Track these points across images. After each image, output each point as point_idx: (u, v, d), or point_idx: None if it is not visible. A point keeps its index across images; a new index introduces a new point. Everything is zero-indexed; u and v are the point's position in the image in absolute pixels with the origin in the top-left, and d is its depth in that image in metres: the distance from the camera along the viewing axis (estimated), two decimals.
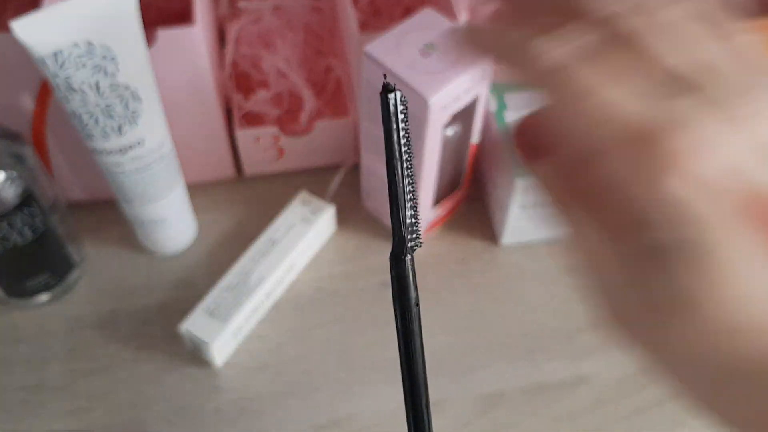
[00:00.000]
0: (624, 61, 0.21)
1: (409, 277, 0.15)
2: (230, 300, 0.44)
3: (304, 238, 0.47)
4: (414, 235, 0.15)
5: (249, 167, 0.53)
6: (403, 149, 0.15)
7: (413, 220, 0.15)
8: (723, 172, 0.19)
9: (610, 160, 0.20)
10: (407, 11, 0.56)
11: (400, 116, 0.15)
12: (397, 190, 0.15)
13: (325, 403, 0.43)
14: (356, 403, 0.43)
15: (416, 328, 0.16)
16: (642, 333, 0.21)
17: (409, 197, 0.15)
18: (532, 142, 0.23)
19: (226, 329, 0.43)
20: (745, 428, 0.19)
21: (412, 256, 0.15)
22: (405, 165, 0.15)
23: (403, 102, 0.15)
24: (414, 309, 0.15)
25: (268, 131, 0.50)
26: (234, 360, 0.45)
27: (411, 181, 0.15)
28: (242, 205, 0.52)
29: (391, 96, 0.14)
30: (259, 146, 0.51)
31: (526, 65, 0.22)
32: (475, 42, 0.24)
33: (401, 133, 0.15)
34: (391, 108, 0.14)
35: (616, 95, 0.20)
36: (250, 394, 0.43)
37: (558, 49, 0.21)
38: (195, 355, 0.45)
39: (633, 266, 0.20)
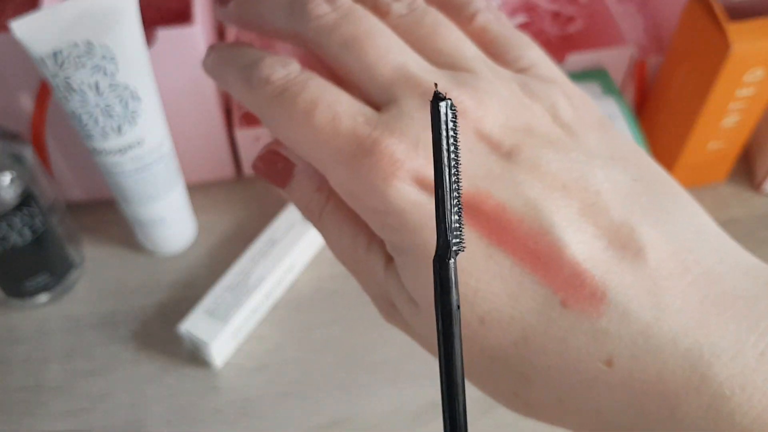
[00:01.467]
0: (347, 71, 0.22)
1: (452, 279, 0.15)
2: (230, 300, 0.44)
3: (304, 238, 0.47)
4: (458, 239, 0.15)
5: (249, 167, 0.53)
6: (452, 155, 0.15)
7: (458, 225, 0.15)
8: None
9: (341, 174, 0.20)
10: None
11: (450, 124, 0.15)
12: (444, 195, 0.15)
13: (325, 403, 0.43)
14: (356, 404, 0.43)
15: (457, 331, 0.16)
16: (408, 329, 0.22)
17: (455, 202, 0.15)
18: (275, 169, 0.24)
19: (226, 329, 0.43)
20: (516, 409, 0.20)
21: (455, 260, 0.15)
22: (453, 171, 0.15)
23: (453, 109, 0.15)
24: (456, 312, 0.15)
25: (269, 131, 0.50)
26: (234, 360, 0.45)
27: (458, 187, 0.15)
28: (242, 205, 0.52)
29: (442, 104, 0.15)
30: (259, 146, 0.51)
31: (254, 93, 0.22)
32: (212, 73, 0.25)
33: (450, 140, 0.15)
34: (442, 116, 0.15)
35: (340, 108, 0.21)
36: (250, 394, 0.43)
37: (281, 70, 0.22)
38: (195, 355, 0.44)
39: (388, 266, 0.21)
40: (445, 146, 0.15)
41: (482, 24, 0.23)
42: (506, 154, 0.20)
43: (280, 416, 0.42)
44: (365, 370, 0.44)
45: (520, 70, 0.23)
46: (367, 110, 0.21)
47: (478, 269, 0.19)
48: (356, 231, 0.22)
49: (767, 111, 0.49)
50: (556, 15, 0.57)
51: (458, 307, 0.15)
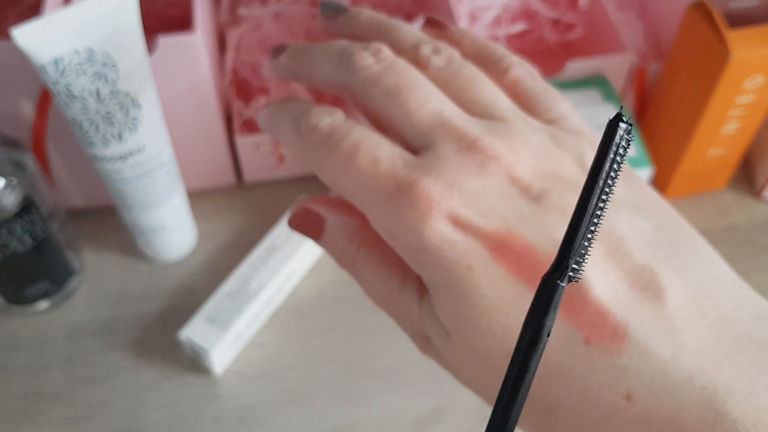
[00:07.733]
0: (389, 118, 0.24)
1: (554, 302, 0.15)
2: (230, 307, 0.44)
3: (304, 245, 0.47)
4: (577, 267, 0.15)
5: (249, 174, 0.53)
6: (609, 181, 0.14)
7: (584, 252, 0.15)
8: (475, 213, 0.20)
9: (380, 214, 0.22)
10: (407, 19, 0.56)
11: (620, 150, 0.14)
12: (584, 214, 0.14)
13: (325, 410, 0.43)
14: (357, 411, 0.43)
15: (537, 358, 0.15)
16: (442, 361, 0.23)
17: (592, 228, 0.15)
18: (309, 224, 0.26)
19: (226, 336, 0.43)
20: None
21: (566, 284, 0.15)
22: (602, 197, 0.14)
23: (629, 137, 0.14)
24: (544, 339, 0.15)
25: (269, 138, 0.50)
26: (234, 367, 0.44)
27: (600, 215, 0.15)
28: (242, 212, 0.52)
29: (622, 125, 0.14)
30: (260, 153, 0.51)
31: (302, 140, 0.24)
32: (266, 126, 0.27)
33: (612, 164, 0.14)
34: (616, 138, 0.14)
35: (381, 152, 0.22)
36: (250, 401, 0.43)
37: (327, 118, 0.24)
38: (195, 362, 0.44)
39: (422, 301, 0.22)
40: (606, 167, 0.14)
41: (515, 77, 0.25)
42: (536, 197, 0.21)
43: (279, 423, 0.42)
44: (365, 377, 0.44)
45: (550, 122, 0.24)
46: (406, 154, 0.22)
47: (507, 305, 0.20)
48: (389, 275, 0.23)
49: (767, 118, 0.49)
50: (556, 22, 0.57)
51: (548, 334, 0.15)
